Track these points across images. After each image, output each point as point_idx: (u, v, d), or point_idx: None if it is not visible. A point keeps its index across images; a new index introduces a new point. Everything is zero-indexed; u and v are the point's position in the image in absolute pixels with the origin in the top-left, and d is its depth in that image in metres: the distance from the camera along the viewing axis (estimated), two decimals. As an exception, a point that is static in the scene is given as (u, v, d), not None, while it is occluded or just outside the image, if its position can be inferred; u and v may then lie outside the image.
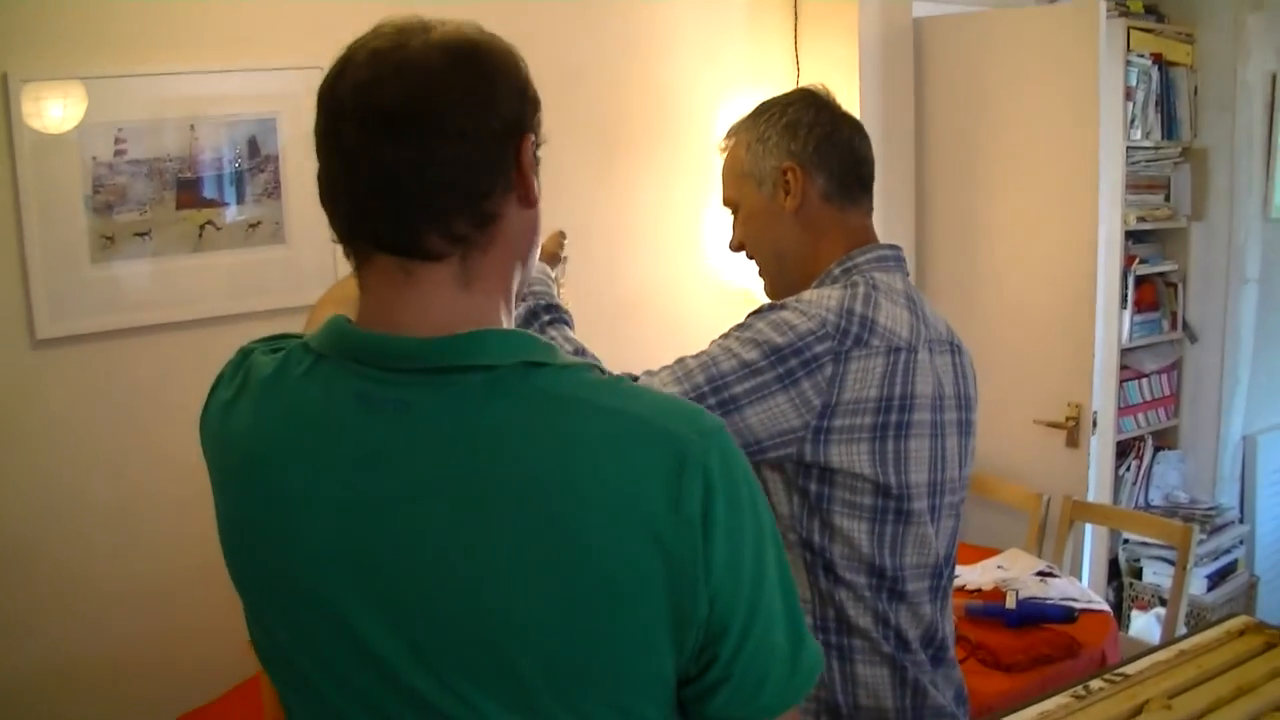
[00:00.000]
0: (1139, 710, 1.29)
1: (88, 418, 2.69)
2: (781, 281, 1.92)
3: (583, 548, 1.01)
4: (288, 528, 1.10)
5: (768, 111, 1.91)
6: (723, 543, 1.02)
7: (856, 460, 1.70)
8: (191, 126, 2.74)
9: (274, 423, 1.15)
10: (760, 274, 1.97)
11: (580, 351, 1.78)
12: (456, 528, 1.02)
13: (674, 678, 1.07)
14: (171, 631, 2.82)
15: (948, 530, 1.85)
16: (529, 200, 1.15)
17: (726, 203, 1.98)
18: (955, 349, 1.91)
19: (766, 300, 1.84)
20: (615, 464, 1.03)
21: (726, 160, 1.96)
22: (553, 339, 1.79)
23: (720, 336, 1.76)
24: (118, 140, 2.65)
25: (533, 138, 1.16)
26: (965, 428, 1.87)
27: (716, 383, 1.68)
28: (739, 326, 1.76)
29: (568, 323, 1.89)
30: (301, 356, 1.15)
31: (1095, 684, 1.33)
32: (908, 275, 1.90)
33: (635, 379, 1.73)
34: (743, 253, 1.97)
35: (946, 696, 1.81)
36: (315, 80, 3.01)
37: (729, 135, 1.97)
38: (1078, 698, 1.31)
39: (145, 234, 2.70)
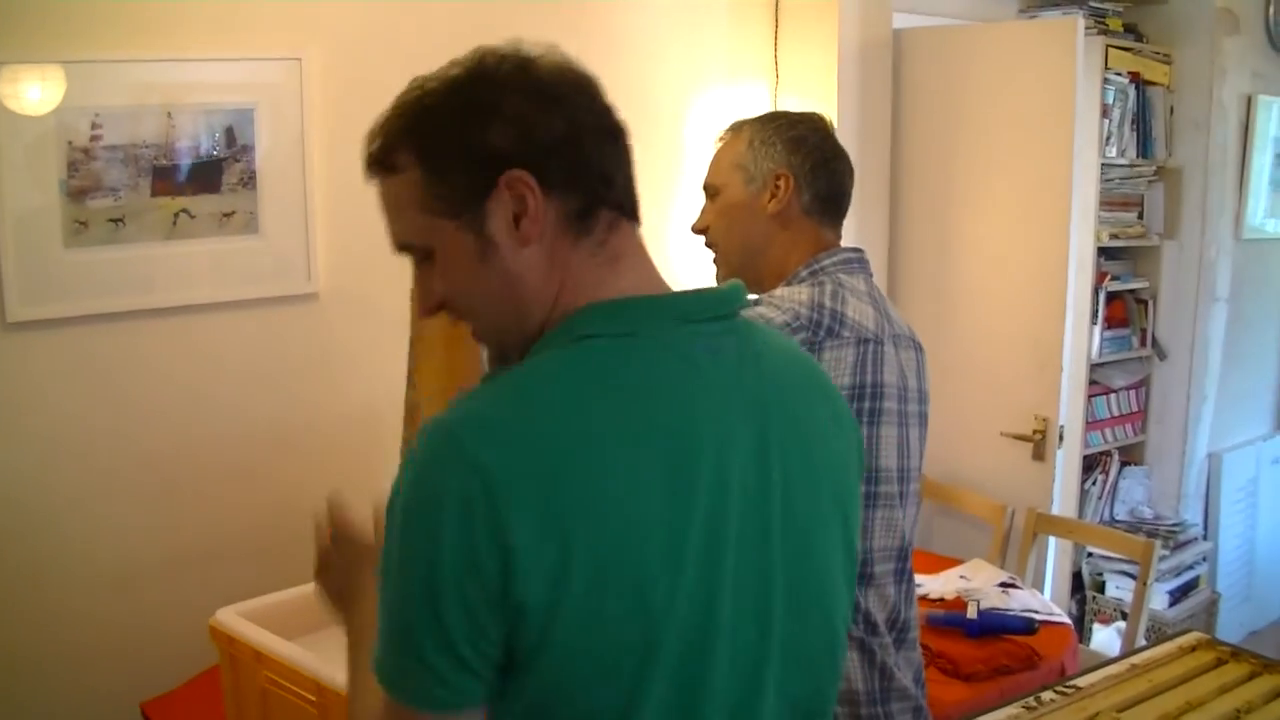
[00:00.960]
0: (1088, 723, 1.31)
1: (56, 403, 2.68)
2: (737, 272, 1.96)
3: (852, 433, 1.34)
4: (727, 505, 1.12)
5: (779, 120, 2.01)
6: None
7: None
8: (169, 114, 2.74)
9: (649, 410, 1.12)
10: (716, 263, 2.04)
11: None
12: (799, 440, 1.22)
13: None
14: (135, 619, 2.81)
15: (912, 516, 1.95)
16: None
17: (707, 187, 2.05)
18: (916, 346, 2.00)
19: None
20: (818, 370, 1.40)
21: (724, 149, 2.03)
22: None
23: None
24: (94, 125, 2.64)
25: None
26: (923, 420, 2.01)
27: None
28: None
29: None
30: (603, 348, 1.14)
31: (1046, 695, 1.35)
32: (871, 277, 1.98)
33: None
34: (703, 237, 2.04)
35: (907, 678, 1.87)
36: (294, 71, 3.03)
37: (734, 128, 2.04)
38: (1029, 709, 1.32)
39: (119, 220, 2.69)
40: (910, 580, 1.93)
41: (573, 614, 1.01)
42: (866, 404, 1.81)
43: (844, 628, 1.28)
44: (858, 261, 1.96)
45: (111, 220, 2.68)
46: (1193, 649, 1.54)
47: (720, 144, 2.05)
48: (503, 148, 1.13)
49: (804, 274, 1.91)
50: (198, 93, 2.79)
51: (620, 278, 1.18)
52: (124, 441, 2.77)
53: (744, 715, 1.13)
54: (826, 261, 1.92)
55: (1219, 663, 1.50)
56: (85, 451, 2.74)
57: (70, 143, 2.61)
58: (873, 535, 1.85)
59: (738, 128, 2.04)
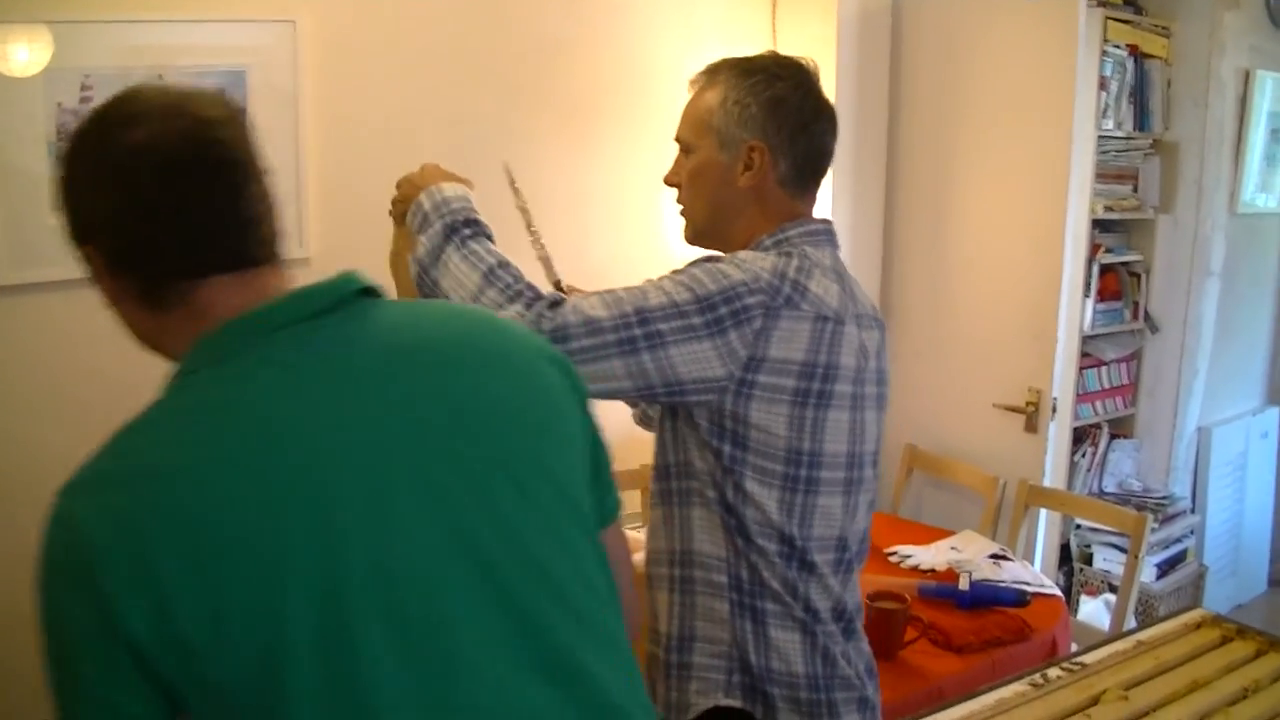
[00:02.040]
0: (1095, 700, 1.30)
1: (47, 368, 2.66)
2: (704, 233, 1.94)
3: (511, 355, 1.33)
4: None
5: (754, 75, 1.88)
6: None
7: (774, 421, 1.73)
8: (160, 76, 2.69)
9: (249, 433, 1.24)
10: (684, 215, 1.97)
11: (504, 264, 1.76)
12: None
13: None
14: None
15: (864, 504, 1.88)
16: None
17: (679, 140, 1.96)
18: (879, 324, 1.91)
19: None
20: (492, 317, 1.42)
21: (695, 103, 1.93)
22: (474, 252, 1.78)
23: (656, 278, 1.78)
24: (84, 87, 2.61)
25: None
26: (880, 402, 1.89)
27: (644, 315, 1.69)
28: (675, 271, 1.78)
29: (489, 236, 1.85)
30: (195, 380, 1.23)
31: (1053, 673, 1.34)
32: (838, 250, 1.91)
33: (565, 294, 1.78)
34: (674, 190, 1.98)
35: (858, 669, 1.85)
36: (286, 34, 3.00)
37: (708, 75, 1.93)
38: (1035, 686, 1.31)
39: (109, 183, 2.66)
40: (851, 571, 1.88)
41: (191, 647, 1.02)
42: (816, 385, 1.73)
43: (580, 580, 1.25)
44: (825, 234, 1.89)
45: (102, 183, 2.65)
46: (1198, 626, 1.53)
47: (694, 90, 1.95)
48: None
49: (768, 243, 1.85)
50: (189, 55, 2.75)
51: (216, 319, 1.20)
52: (116, 404, 2.72)
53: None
54: (793, 233, 1.85)
55: (1224, 640, 1.49)
56: (76, 418, 2.71)
57: (60, 104, 2.58)
58: (811, 523, 1.78)
59: (712, 74, 1.93)
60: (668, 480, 1.86)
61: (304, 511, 1.07)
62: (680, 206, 1.98)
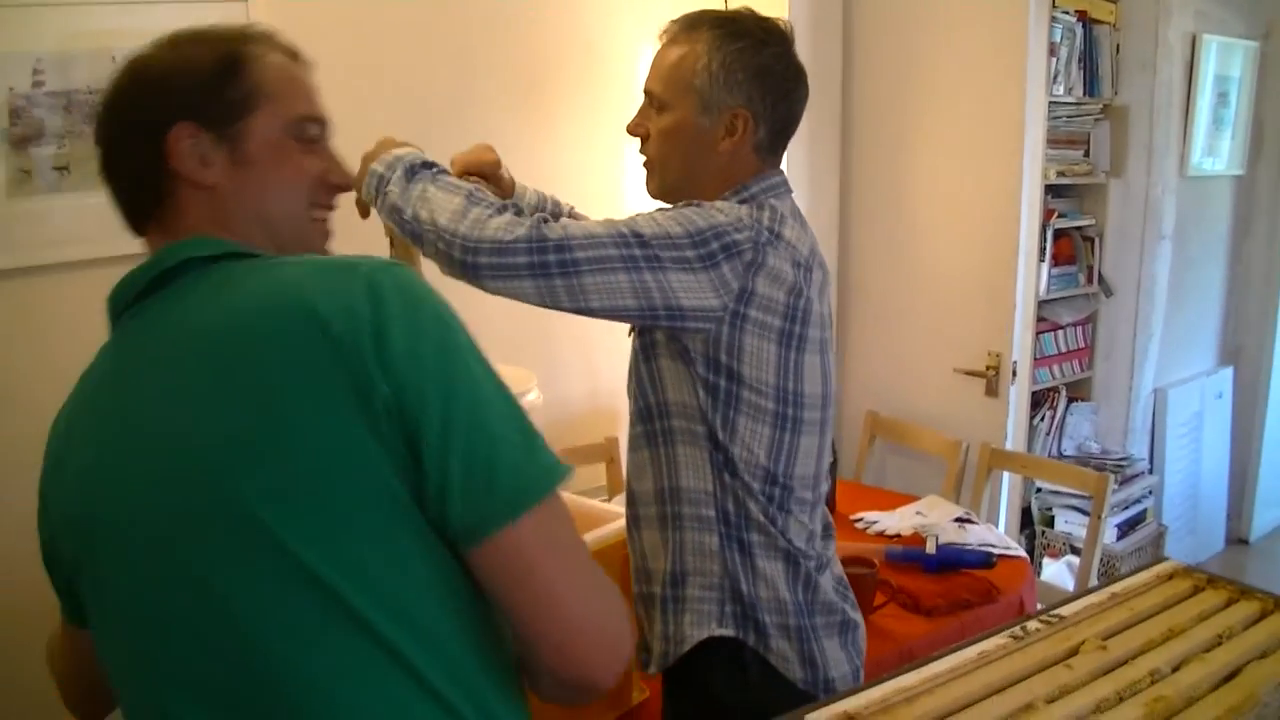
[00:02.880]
0: (1075, 651, 1.32)
1: (5, 356, 2.63)
2: (672, 189, 1.93)
3: (265, 363, 1.10)
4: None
5: (741, 40, 1.87)
6: (399, 332, 1.09)
7: (765, 359, 1.78)
8: (113, 58, 2.66)
9: (81, 402, 1.37)
10: (650, 168, 1.96)
11: (480, 190, 1.76)
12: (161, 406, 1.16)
13: (403, 489, 1.08)
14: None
15: (827, 444, 1.94)
16: (193, 183, 1.26)
17: (651, 95, 1.93)
18: (824, 265, 1.93)
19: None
20: (292, 288, 1.14)
21: (674, 59, 1.90)
22: (449, 181, 1.77)
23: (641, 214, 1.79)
24: (35, 71, 2.58)
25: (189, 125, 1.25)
26: (830, 345, 1.93)
27: (642, 239, 1.70)
28: (658, 210, 1.80)
29: (448, 173, 1.85)
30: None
31: (1032, 625, 1.36)
32: (792, 194, 1.95)
33: (557, 217, 1.79)
34: (638, 139, 1.96)
35: (830, 593, 1.92)
36: (239, 14, 2.96)
37: (687, 28, 1.91)
38: (1015, 638, 1.33)
39: (64, 168, 2.64)
40: (820, 505, 1.95)
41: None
42: (796, 328, 1.79)
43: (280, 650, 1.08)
44: (783, 184, 1.93)
45: (56, 168, 2.63)
46: (1169, 577, 1.55)
47: (668, 43, 1.92)
48: None
49: (734, 200, 1.86)
50: (142, 37, 2.70)
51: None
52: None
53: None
54: (755, 189, 1.88)
55: (1195, 590, 1.52)
56: (34, 402, 2.67)
57: (11, 89, 2.55)
58: (795, 461, 1.85)
59: (691, 28, 1.89)
60: (650, 422, 1.90)
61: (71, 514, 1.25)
62: (644, 158, 1.97)
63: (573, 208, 2.26)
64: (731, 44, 1.86)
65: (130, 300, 1.25)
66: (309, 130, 1.33)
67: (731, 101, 1.86)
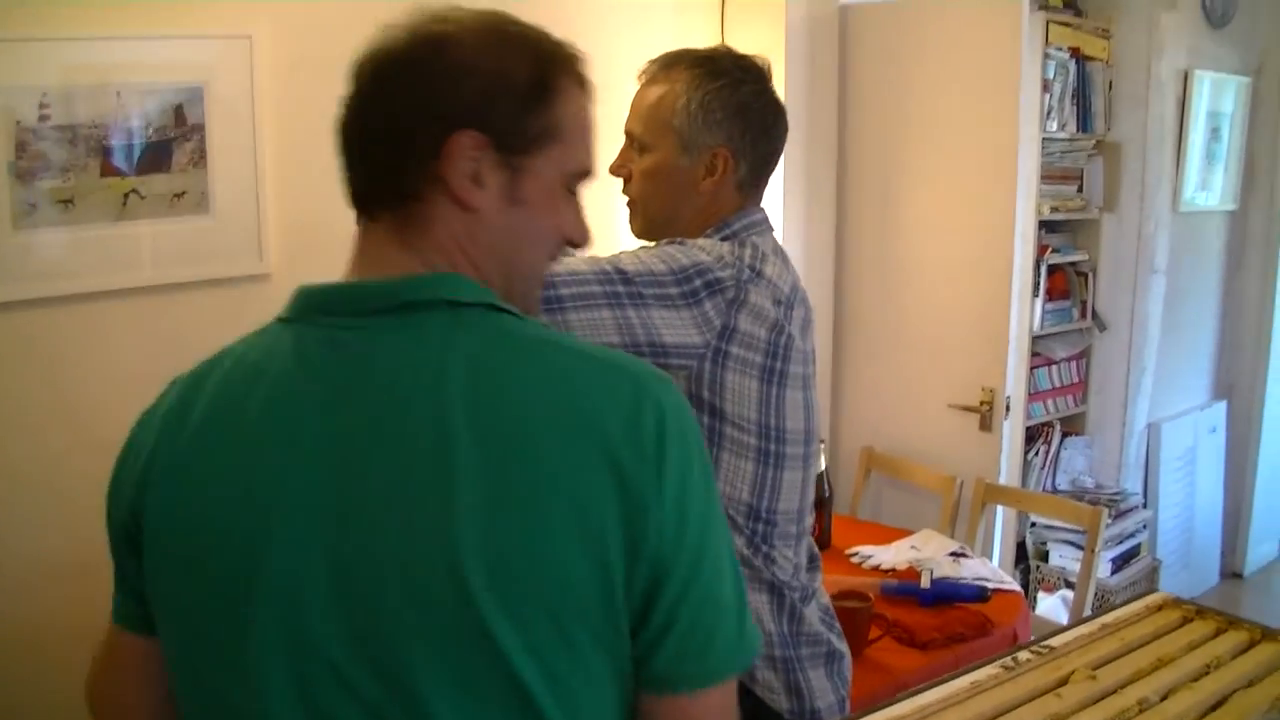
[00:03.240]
0: (1065, 680, 1.34)
1: (8, 387, 2.65)
2: (657, 228, 1.93)
3: (543, 471, 1.03)
4: (259, 477, 1.10)
5: (719, 79, 1.88)
6: (674, 475, 1.05)
7: (747, 396, 1.78)
8: (118, 93, 2.70)
9: (240, 384, 1.16)
10: (632, 207, 1.97)
11: None
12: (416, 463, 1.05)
13: (625, 616, 1.05)
14: (92, 605, 2.78)
15: (811, 479, 1.94)
16: (457, 198, 1.14)
17: (632, 136, 1.95)
18: (806, 303, 1.94)
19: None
20: (571, 388, 1.07)
21: (653, 99, 1.91)
22: None
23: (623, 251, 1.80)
24: (42, 105, 2.61)
25: (476, 136, 1.13)
26: (812, 380, 1.94)
27: (625, 275, 1.70)
28: (641, 247, 1.82)
29: None
30: (266, 330, 1.19)
31: (1023, 655, 1.38)
32: (773, 232, 1.96)
33: None
34: (620, 180, 1.97)
35: (819, 624, 1.94)
36: (243, 50, 3.00)
37: (665, 67, 1.92)
38: (1007, 668, 1.35)
39: (68, 201, 2.66)
40: (804, 538, 1.96)
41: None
42: (778, 364, 1.80)
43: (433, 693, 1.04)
44: (764, 221, 1.94)
45: (60, 201, 2.65)
46: (1159, 608, 1.57)
47: (647, 84, 1.93)
48: None
49: (716, 238, 1.87)
50: (147, 71, 2.75)
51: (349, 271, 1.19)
52: (77, 425, 2.74)
53: None
54: (737, 225, 1.89)
55: (1184, 621, 1.54)
56: (35, 438, 2.71)
57: (18, 122, 2.58)
58: (778, 497, 1.85)
59: (669, 68, 1.91)
60: None
61: (244, 516, 1.09)
62: (627, 198, 1.98)
63: None
64: (709, 83, 1.87)
65: (345, 311, 1.13)
66: (577, 182, 1.24)
67: (711, 141, 1.87)
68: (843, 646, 1.99)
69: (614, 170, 1.96)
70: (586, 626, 1.04)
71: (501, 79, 1.14)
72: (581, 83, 1.22)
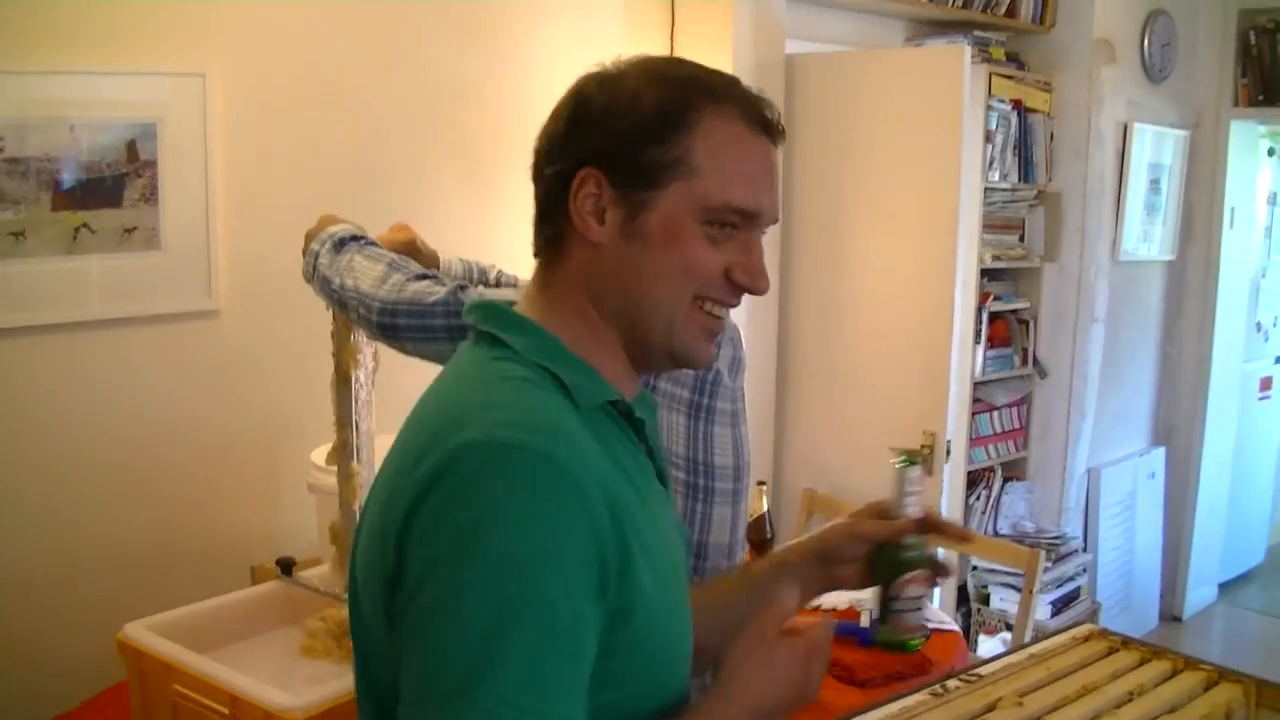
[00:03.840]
0: (992, 707, 1.37)
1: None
2: None
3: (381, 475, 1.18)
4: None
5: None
6: (427, 517, 1.05)
7: (675, 431, 1.82)
8: (71, 127, 2.72)
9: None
10: None
11: (394, 264, 1.81)
12: None
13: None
14: (32, 634, 2.77)
15: (742, 514, 1.98)
16: (580, 234, 1.20)
17: None
18: (735, 343, 1.99)
19: None
20: (424, 412, 1.18)
21: None
22: (375, 252, 1.83)
23: None
24: (-5, 139, 2.62)
25: (596, 173, 1.18)
26: (742, 417, 1.97)
27: None
28: None
29: (378, 245, 1.92)
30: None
31: (952, 683, 1.42)
32: None
33: (484, 282, 1.96)
34: None
35: None
36: (196, 87, 3.02)
37: None
38: (935, 695, 1.39)
39: (19, 234, 2.67)
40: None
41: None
42: (705, 400, 1.85)
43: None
44: None
45: (11, 234, 2.66)
46: (1085, 639, 1.61)
47: None
48: None
49: None
50: (100, 107, 2.77)
51: None
52: (20, 455, 2.74)
53: None
54: None
55: (1110, 651, 1.58)
56: (17, 462, 2.70)
57: (-31, 156, 2.59)
58: (709, 530, 1.89)
59: None
60: None
61: None
62: None
63: (500, 271, 2.31)
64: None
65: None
66: (728, 218, 1.20)
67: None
68: None
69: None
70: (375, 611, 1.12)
71: (628, 114, 1.18)
72: (733, 116, 1.20)
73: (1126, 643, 1.60)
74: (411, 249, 2.10)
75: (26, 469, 2.75)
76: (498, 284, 2.28)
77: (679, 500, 1.86)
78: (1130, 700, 1.42)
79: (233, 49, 2.98)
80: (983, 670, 1.47)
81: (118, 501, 2.90)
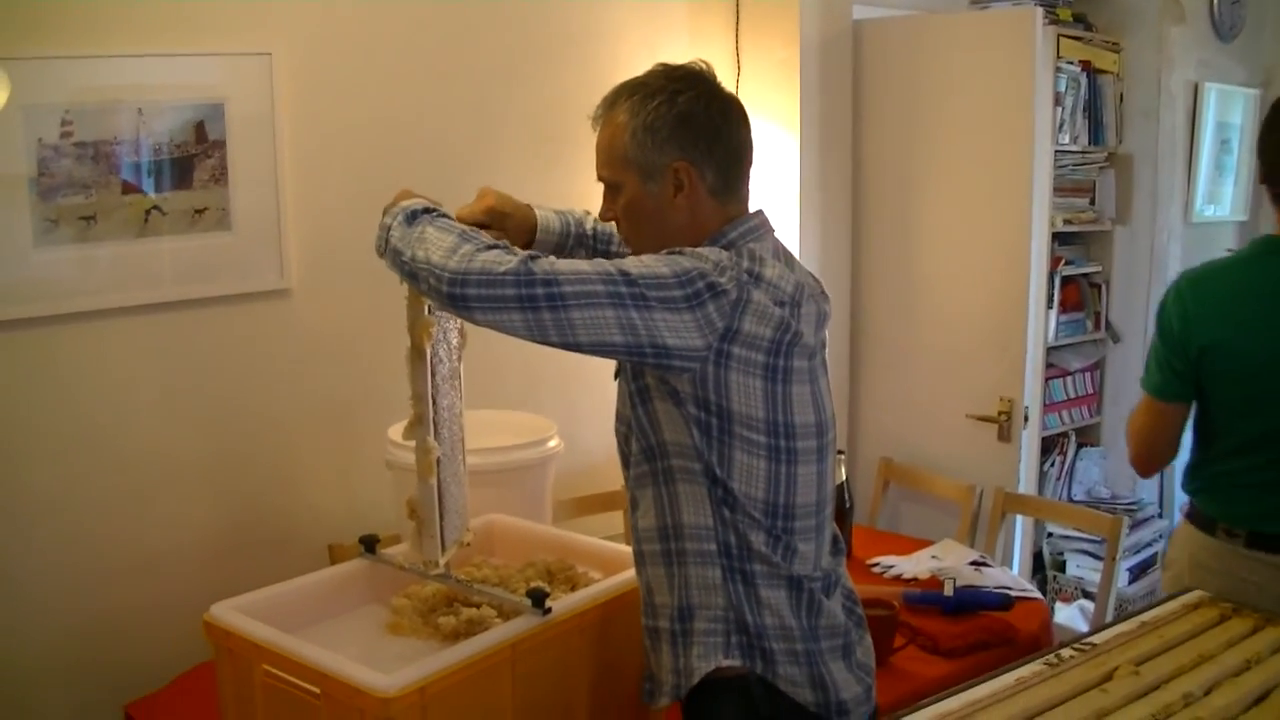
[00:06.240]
0: (1109, 676, 1.34)
1: (30, 404, 2.66)
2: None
3: None
4: None
5: (655, 98, 1.91)
6: None
7: (752, 395, 1.81)
8: (139, 110, 2.72)
9: None
10: (628, 244, 2.02)
11: (464, 235, 1.79)
12: None
13: None
14: (113, 622, 2.79)
15: (828, 470, 1.97)
16: None
17: (602, 179, 1.99)
18: (825, 296, 1.99)
19: None
20: None
21: (606, 140, 1.95)
22: (447, 223, 1.82)
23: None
24: (64, 123, 2.62)
25: None
26: (825, 368, 1.97)
27: (629, 277, 1.73)
28: (646, 255, 1.84)
29: (450, 217, 1.90)
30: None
31: (1066, 653, 1.38)
32: (774, 232, 1.98)
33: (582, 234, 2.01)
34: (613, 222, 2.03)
35: (840, 618, 1.95)
36: (263, 66, 3.02)
37: (606, 108, 1.96)
38: (1050, 665, 1.35)
39: (90, 218, 2.67)
40: (825, 529, 1.97)
41: None
42: (782, 362, 1.83)
43: None
44: (761, 226, 1.95)
45: (82, 218, 2.67)
46: (1196, 606, 1.58)
47: (600, 127, 1.97)
48: None
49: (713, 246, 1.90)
50: (168, 90, 2.77)
51: None
52: (98, 442, 2.75)
53: None
54: (732, 235, 1.91)
55: (1222, 618, 1.54)
56: (57, 454, 2.72)
57: (40, 140, 2.59)
58: (795, 491, 1.88)
59: (611, 105, 1.96)
60: (652, 462, 1.94)
61: None
62: (623, 237, 2.04)
63: (596, 219, 2.26)
64: (647, 105, 1.90)
65: None
66: None
67: (666, 159, 1.89)
68: (860, 632, 2.01)
69: (602, 217, 2.03)
70: None
71: None
72: None
73: (1237, 610, 1.56)
74: (496, 215, 2.08)
75: (103, 455, 2.76)
76: (594, 234, 2.25)
77: (762, 464, 1.84)
78: (1248, 668, 1.39)
79: (298, 28, 2.97)
80: (1095, 639, 1.44)
81: (193, 485, 2.91)
